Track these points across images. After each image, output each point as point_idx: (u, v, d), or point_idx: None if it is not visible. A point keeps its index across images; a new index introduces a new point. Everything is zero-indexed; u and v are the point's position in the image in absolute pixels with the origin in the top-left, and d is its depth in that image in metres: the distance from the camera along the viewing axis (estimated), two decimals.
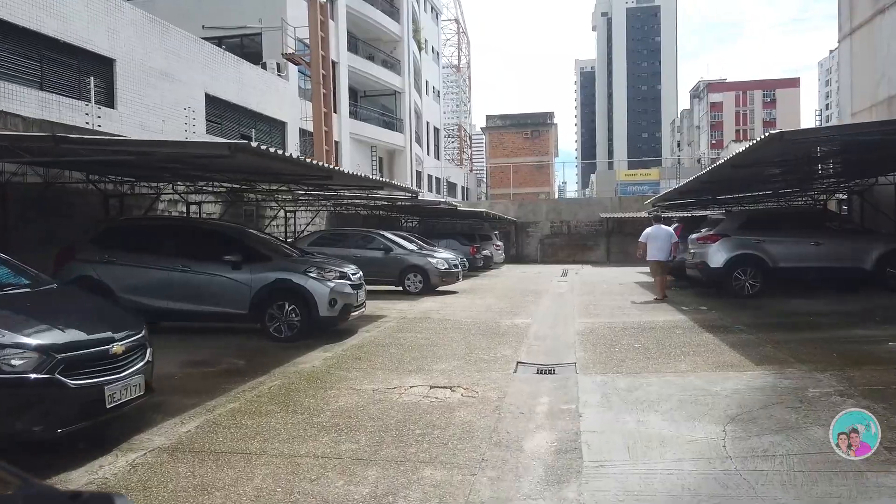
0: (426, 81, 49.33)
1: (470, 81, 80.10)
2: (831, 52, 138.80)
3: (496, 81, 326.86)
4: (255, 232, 10.27)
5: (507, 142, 63.73)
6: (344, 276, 8.92)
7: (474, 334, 9.25)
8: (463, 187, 60.82)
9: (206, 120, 22.06)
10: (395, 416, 5.18)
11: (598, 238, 33.19)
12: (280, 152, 6.05)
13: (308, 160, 6.98)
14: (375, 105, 39.81)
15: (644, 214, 26.19)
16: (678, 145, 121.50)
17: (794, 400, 5.33)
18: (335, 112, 33.11)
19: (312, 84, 23.60)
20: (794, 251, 12.45)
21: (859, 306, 10.84)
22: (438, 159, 53.58)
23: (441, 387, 6.15)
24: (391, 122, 40.39)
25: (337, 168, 7.53)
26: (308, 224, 17.95)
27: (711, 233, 12.96)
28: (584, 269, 26.20)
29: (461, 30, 73.74)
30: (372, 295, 14.38)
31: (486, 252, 25.94)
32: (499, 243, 28.70)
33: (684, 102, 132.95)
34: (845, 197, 18.30)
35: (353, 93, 38.76)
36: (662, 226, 13.57)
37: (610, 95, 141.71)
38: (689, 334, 8.79)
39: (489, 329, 9.74)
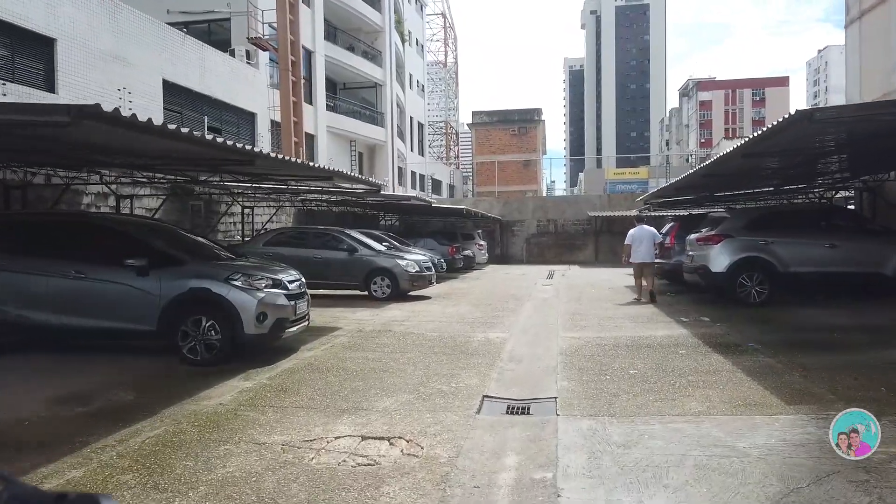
0: (410, 75, 47.75)
1: (457, 78, 78.56)
2: (819, 51, 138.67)
3: (485, 79, 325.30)
4: (176, 229, 8.68)
5: (494, 138, 62.25)
6: (278, 283, 7.33)
7: (438, 354, 7.71)
8: (448, 185, 59.31)
9: (164, 108, 20.39)
10: (296, 494, 3.63)
11: (587, 237, 31.79)
12: (158, 124, 4.47)
13: (212, 138, 5.41)
14: (355, 98, 38.20)
15: (635, 212, 24.78)
16: (667, 144, 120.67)
17: (856, 466, 3.83)
18: (311, 104, 31.55)
19: (280, 70, 21.98)
20: (807, 254, 11.02)
21: (886, 319, 9.42)
22: (423, 156, 52.02)
23: (377, 437, 4.61)
24: (372, 115, 38.78)
25: (260, 151, 5.97)
26: (268, 221, 16.35)
27: (713, 233, 11.50)
28: (571, 271, 24.76)
29: (448, 25, 72.15)
30: (333, 301, 12.84)
31: (467, 252, 24.43)
32: (482, 243, 27.22)
33: (673, 102, 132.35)
34: (851, 194, 16.99)
35: (332, 85, 37.11)
36: (645, 226, 13.00)
37: (599, 94, 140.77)
38: (694, 355, 7.31)
39: (457, 346, 8.20)
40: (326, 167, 8.22)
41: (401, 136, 44.69)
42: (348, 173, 8.64)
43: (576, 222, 32.09)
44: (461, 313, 11.45)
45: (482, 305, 12.65)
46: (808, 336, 8.32)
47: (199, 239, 8.80)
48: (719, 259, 11.18)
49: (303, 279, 8.06)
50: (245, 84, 24.67)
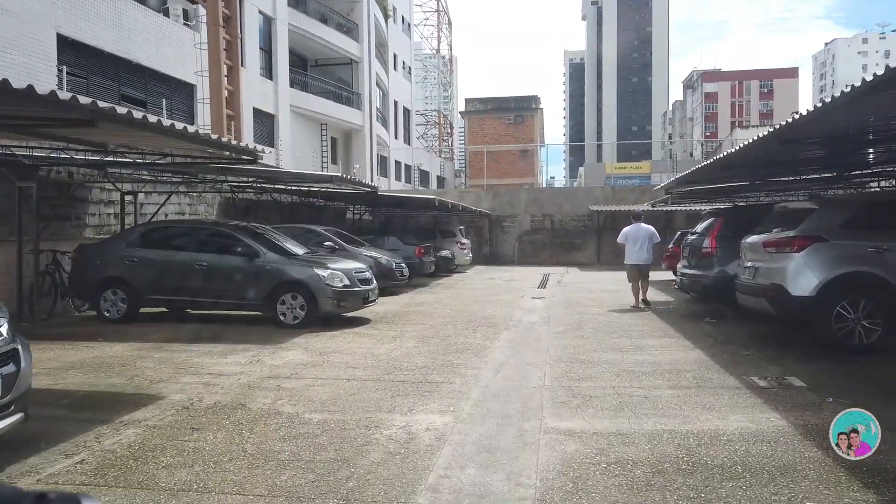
0: (394, 55, 43.46)
1: (451, 66, 74.23)
2: (826, 45, 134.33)
3: (482, 71, 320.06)
4: None
5: (488, 128, 58.02)
6: None
7: (277, 497, 3.56)
8: (438, 176, 55.08)
9: (60, 71, 16.24)
10: None
11: (587, 235, 27.67)
12: None
13: None
14: (331, 77, 33.96)
15: (647, 206, 20.66)
16: (669, 138, 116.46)
17: None
18: (270, 79, 27.33)
19: (208, 26, 17.79)
20: None
21: None
22: (409, 144, 47.73)
23: None
24: (347, 96, 34.51)
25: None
26: (156, 212, 12.15)
27: (793, 234, 7.30)
28: (568, 275, 20.63)
29: (441, 9, 67.75)
30: (219, 330, 8.60)
31: (444, 252, 20.30)
32: (464, 241, 23.05)
33: (675, 96, 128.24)
34: None
35: (302, 61, 32.94)
36: (643, 224, 12.07)
37: (599, 87, 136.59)
38: None
39: (337, 463, 4.03)
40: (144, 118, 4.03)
41: (383, 121, 40.46)
42: (191, 130, 4.54)
43: (575, 218, 28.00)
44: (395, 357, 7.27)
45: (436, 339, 8.48)
46: None
47: None
48: (804, 276, 7.00)
49: None
50: (180, 49, 20.41)
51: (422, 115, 60.25)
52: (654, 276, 13.39)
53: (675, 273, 17.48)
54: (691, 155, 77.58)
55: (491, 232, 28.99)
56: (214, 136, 5.80)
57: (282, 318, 9.15)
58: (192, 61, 20.56)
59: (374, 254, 14.15)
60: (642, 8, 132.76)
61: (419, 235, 20.08)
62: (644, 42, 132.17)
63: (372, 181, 35.64)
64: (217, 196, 15.59)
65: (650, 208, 20.75)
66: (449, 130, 69.58)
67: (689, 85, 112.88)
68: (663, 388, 5.79)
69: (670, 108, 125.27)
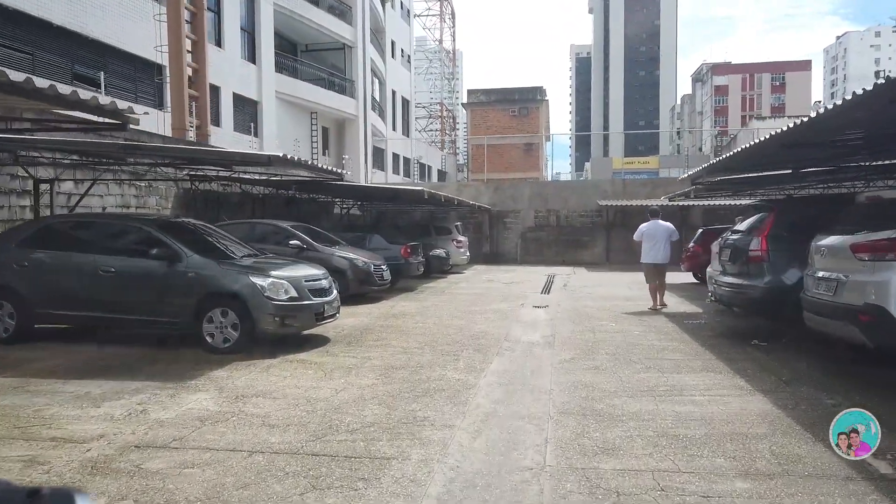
0: (392, 42, 41.30)
1: (454, 57, 71.97)
2: (838, 38, 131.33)
3: (488, 67, 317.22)
4: None
5: (492, 120, 55.71)
6: None
7: None
8: (439, 170, 52.95)
9: None
10: None
11: (595, 232, 25.56)
12: None
13: None
14: (323, 63, 31.91)
15: (662, 202, 18.53)
16: (678, 133, 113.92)
17: None
18: (253, 62, 25.29)
19: None
20: None
21: None
22: (408, 136, 45.60)
23: None
24: (340, 83, 32.43)
25: None
26: (78, 203, 10.09)
27: None
28: (575, 276, 18.56)
29: None
30: (118, 358, 6.47)
31: (439, 251, 18.25)
32: (461, 239, 20.96)
33: (683, 90, 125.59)
34: None
35: (292, 45, 30.92)
36: (660, 221, 11.50)
37: (606, 80, 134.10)
38: None
39: None
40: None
41: (380, 112, 38.36)
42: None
43: (582, 213, 25.90)
44: (339, 405, 5.20)
45: (404, 371, 6.41)
46: None
47: None
48: None
49: None
50: (144, 24, 18.33)
51: (423, 107, 58.14)
52: (674, 278, 11.55)
53: (695, 276, 15.49)
54: (700, 149, 75.24)
55: (492, 228, 26.91)
56: (46, 86, 3.75)
57: (209, 339, 7.09)
58: (158, 38, 18.49)
59: (349, 255, 12.11)
60: (650, 1, 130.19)
61: (410, 233, 18.03)
62: (651, 35, 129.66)
63: (366, 174, 33.61)
64: (173, 187, 13.54)
65: (666, 203, 18.66)
66: (452, 124, 67.43)
67: (698, 78, 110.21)
68: (731, 478, 3.70)
69: (679, 102, 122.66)
